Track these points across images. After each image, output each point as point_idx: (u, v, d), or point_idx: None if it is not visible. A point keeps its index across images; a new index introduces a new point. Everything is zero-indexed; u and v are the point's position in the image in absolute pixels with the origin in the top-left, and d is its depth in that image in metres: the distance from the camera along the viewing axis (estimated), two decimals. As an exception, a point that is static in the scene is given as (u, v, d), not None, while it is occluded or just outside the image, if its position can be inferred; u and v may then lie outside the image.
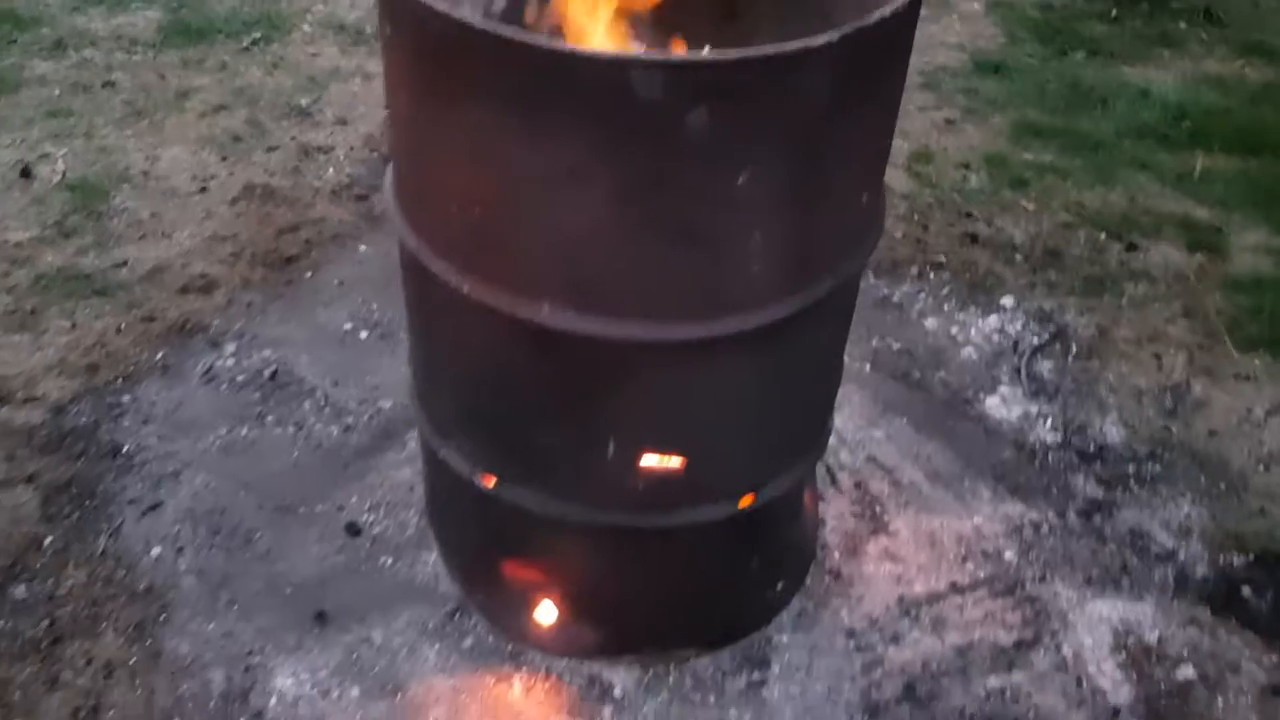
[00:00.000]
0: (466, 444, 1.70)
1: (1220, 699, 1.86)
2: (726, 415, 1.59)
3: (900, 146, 3.13)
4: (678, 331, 1.45)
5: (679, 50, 1.84)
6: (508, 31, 1.26)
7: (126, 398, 2.33)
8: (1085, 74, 3.48)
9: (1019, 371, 2.45)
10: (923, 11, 3.85)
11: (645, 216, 1.36)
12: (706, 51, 1.88)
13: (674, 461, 1.59)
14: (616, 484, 1.61)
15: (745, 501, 1.69)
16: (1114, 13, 3.83)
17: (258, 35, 3.45)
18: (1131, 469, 2.24)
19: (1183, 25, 3.77)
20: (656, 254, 1.39)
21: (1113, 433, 2.32)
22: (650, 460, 1.59)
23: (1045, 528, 2.13)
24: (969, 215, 2.90)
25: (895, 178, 2.99)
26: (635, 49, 1.93)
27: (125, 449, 2.21)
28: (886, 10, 1.33)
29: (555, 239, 1.40)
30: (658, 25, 1.95)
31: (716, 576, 1.82)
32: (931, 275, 2.72)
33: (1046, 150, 3.14)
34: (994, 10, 3.85)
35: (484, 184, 1.41)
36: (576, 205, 1.36)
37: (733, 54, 1.25)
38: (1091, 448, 2.28)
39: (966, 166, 3.07)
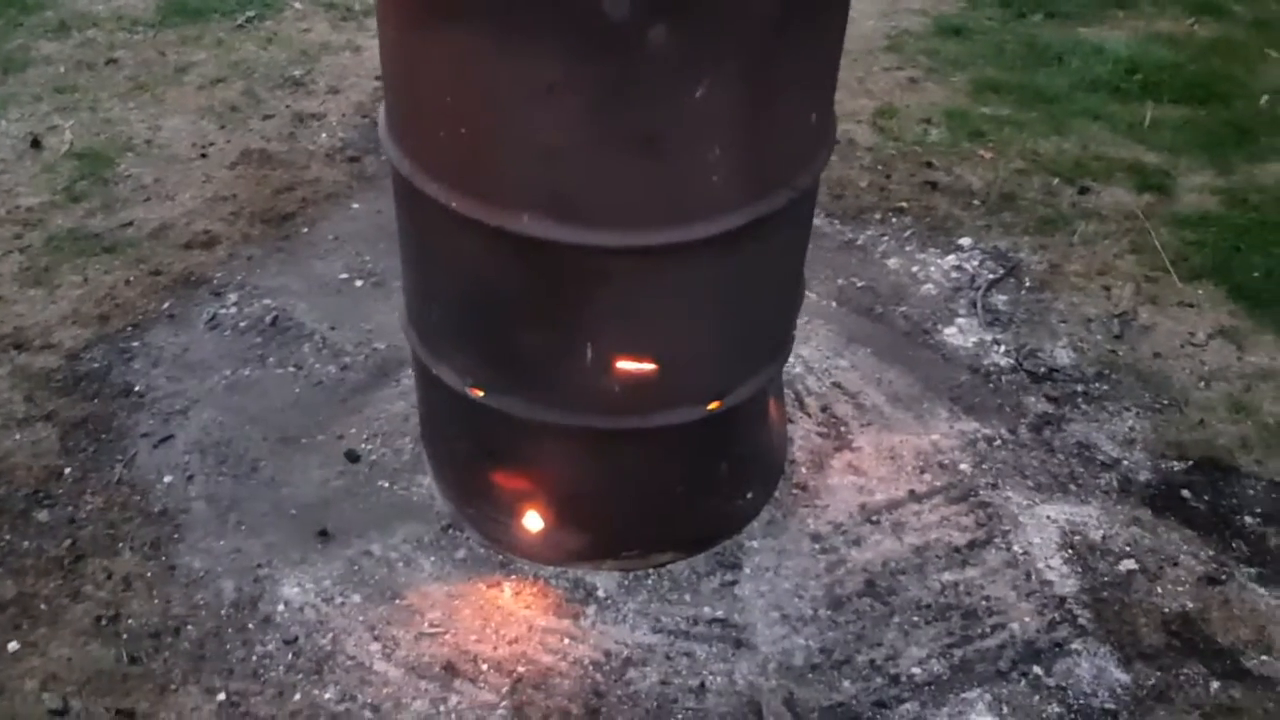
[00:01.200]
0: (456, 358, 1.85)
1: (1159, 588, 2.02)
2: (694, 320, 1.74)
3: (865, 104, 3.29)
4: (646, 238, 1.60)
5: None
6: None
7: (136, 343, 2.47)
8: (1042, 34, 3.65)
9: (975, 304, 2.61)
10: (885, -22, 3.94)
11: (615, 129, 1.51)
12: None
13: (646, 366, 1.74)
14: (594, 388, 1.76)
15: (714, 405, 1.84)
16: (1071, -22, 4.00)
17: (252, 13, 3.60)
18: (1080, 388, 2.40)
19: (1137, -12, 3.94)
20: (625, 165, 1.54)
21: (1062, 356, 2.48)
22: (624, 365, 1.74)
23: (998, 441, 2.28)
24: (929, 165, 3.06)
25: (859, 132, 3.14)
26: None
27: (136, 389, 2.36)
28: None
29: (534, 153, 1.55)
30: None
31: (689, 480, 1.97)
32: (894, 220, 2.87)
33: (1004, 105, 3.30)
34: (957, -23, 4.02)
35: (468, 104, 1.55)
36: (552, 120, 1.51)
37: (686, -26, 1.40)
38: (1042, 370, 2.44)
39: (928, 121, 3.23)
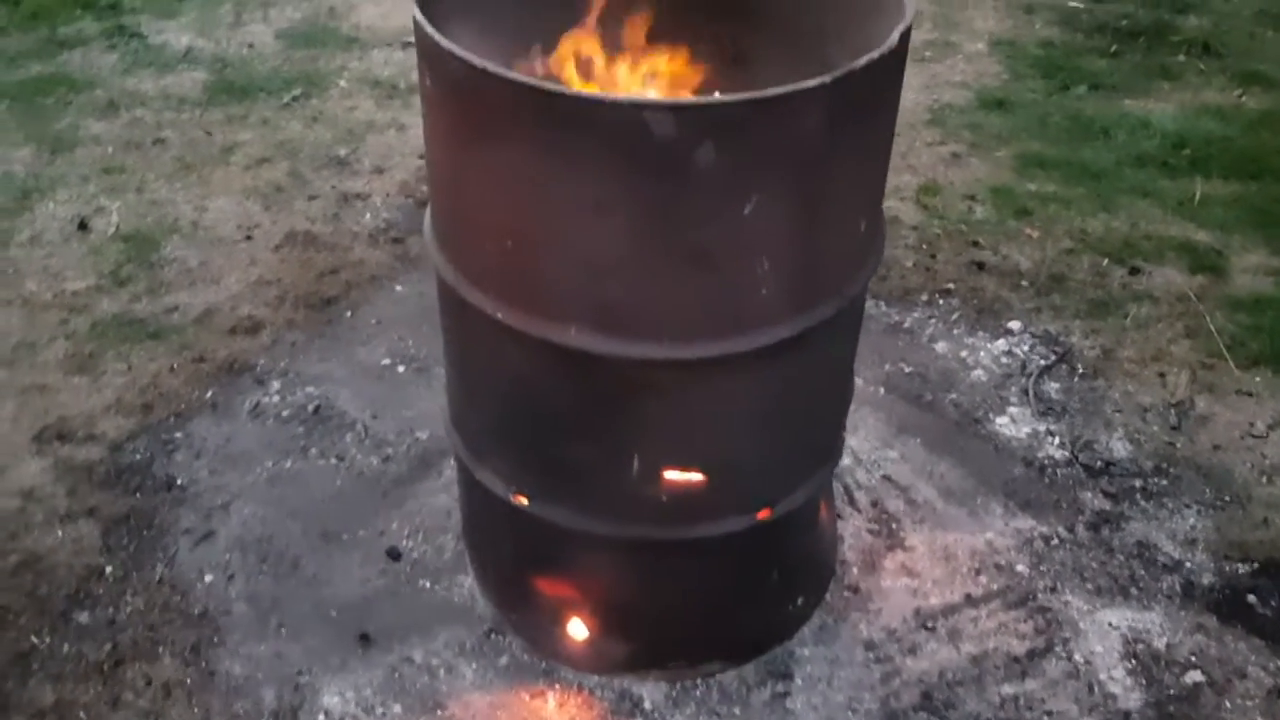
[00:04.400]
0: (500, 464, 1.82)
1: (1227, 702, 1.94)
2: (742, 430, 1.70)
3: (908, 180, 3.26)
4: (694, 350, 1.57)
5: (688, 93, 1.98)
6: (537, 81, 1.40)
7: (179, 434, 2.47)
8: (1087, 107, 3.61)
9: (1027, 392, 2.55)
10: (928, 52, 4.00)
11: (662, 244, 1.49)
12: (714, 95, 2.03)
13: (694, 475, 1.71)
14: (641, 498, 1.73)
15: (763, 513, 1.79)
16: (1114, 48, 3.95)
17: (297, 92, 3.64)
18: (1138, 483, 2.33)
19: (1181, 58, 3.89)
20: (673, 278, 1.52)
21: (1119, 448, 2.42)
22: (672, 474, 1.70)
23: (1055, 541, 2.21)
24: (975, 244, 3.01)
25: (904, 210, 3.11)
26: (650, 93, 2.08)
27: (179, 482, 2.35)
28: (875, 54, 1.46)
29: (580, 266, 1.53)
30: (670, 72, 2.10)
31: (738, 589, 1.93)
32: (940, 302, 2.83)
33: (1050, 181, 3.25)
34: (997, 49, 3.98)
35: (515, 218, 1.54)
36: (599, 235, 1.49)
37: (736, 96, 1.39)
38: (1098, 463, 2.38)
39: (972, 198, 3.19)
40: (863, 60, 1.44)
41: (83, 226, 3.06)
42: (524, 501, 1.80)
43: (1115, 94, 3.68)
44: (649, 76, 1.90)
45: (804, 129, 1.44)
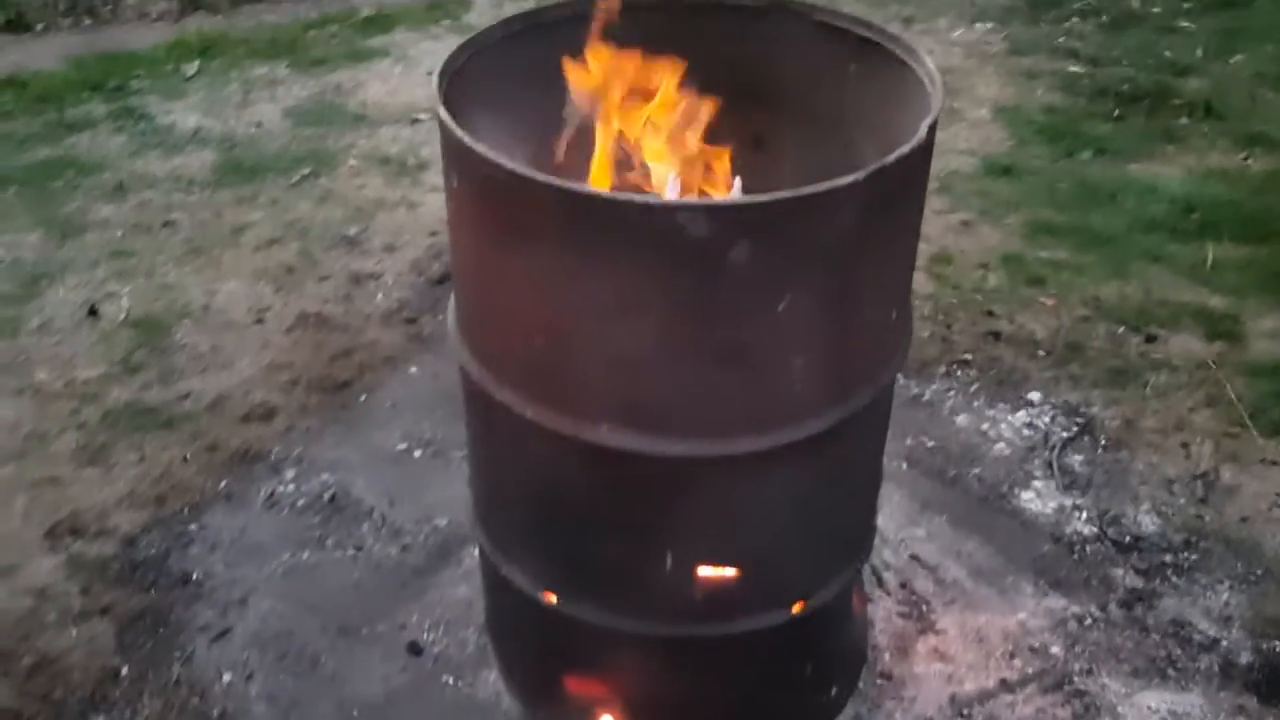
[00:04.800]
0: (528, 562, 1.79)
1: (1274, 785, 1.89)
2: (777, 524, 1.67)
3: (920, 249, 3.24)
4: (728, 447, 1.55)
5: (714, 182, 1.98)
6: (567, 183, 1.39)
7: (194, 526, 2.44)
8: (1093, 172, 3.62)
9: (1051, 465, 2.52)
10: (934, 121, 3.94)
11: (695, 342, 1.47)
12: (738, 185, 2.03)
13: (728, 571, 1.67)
14: (674, 595, 1.69)
15: (798, 607, 1.76)
16: (1116, 112, 3.98)
17: (306, 171, 3.65)
18: (1168, 558, 2.30)
19: (1184, 121, 3.91)
20: (706, 376, 1.50)
21: (1147, 522, 2.39)
22: (706, 571, 1.67)
23: (1089, 620, 2.17)
24: (991, 313, 3.00)
25: (917, 280, 3.08)
26: (672, 180, 2.08)
27: (194, 577, 2.31)
28: (905, 149, 1.46)
29: (612, 365, 1.51)
30: (690, 157, 2.10)
31: (772, 684, 1.88)
32: (959, 373, 2.81)
33: (1061, 247, 3.25)
34: (1001, 115, 4.01)
35: (545, 317, 1.52)
36: (631, 334, 1.47)
37: (769, 196, 1.38)
38: (1127, 538, 2.34)
39: (985, 266, 3.19)
40: (893, 156, 1.44)
41: (93, 313, 3.05)
42: (553, 600, 1.77)
43: (1120, 159, 3.70)
44: (673, 160, 1.90)
45: (837, 225, 1.43)
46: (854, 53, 1.86)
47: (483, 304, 1.64)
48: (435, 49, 4.49)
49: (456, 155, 1.52)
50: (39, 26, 4.59)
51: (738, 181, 2.03)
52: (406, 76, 4.24)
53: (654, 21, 1.96)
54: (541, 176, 1.41)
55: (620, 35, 1.91)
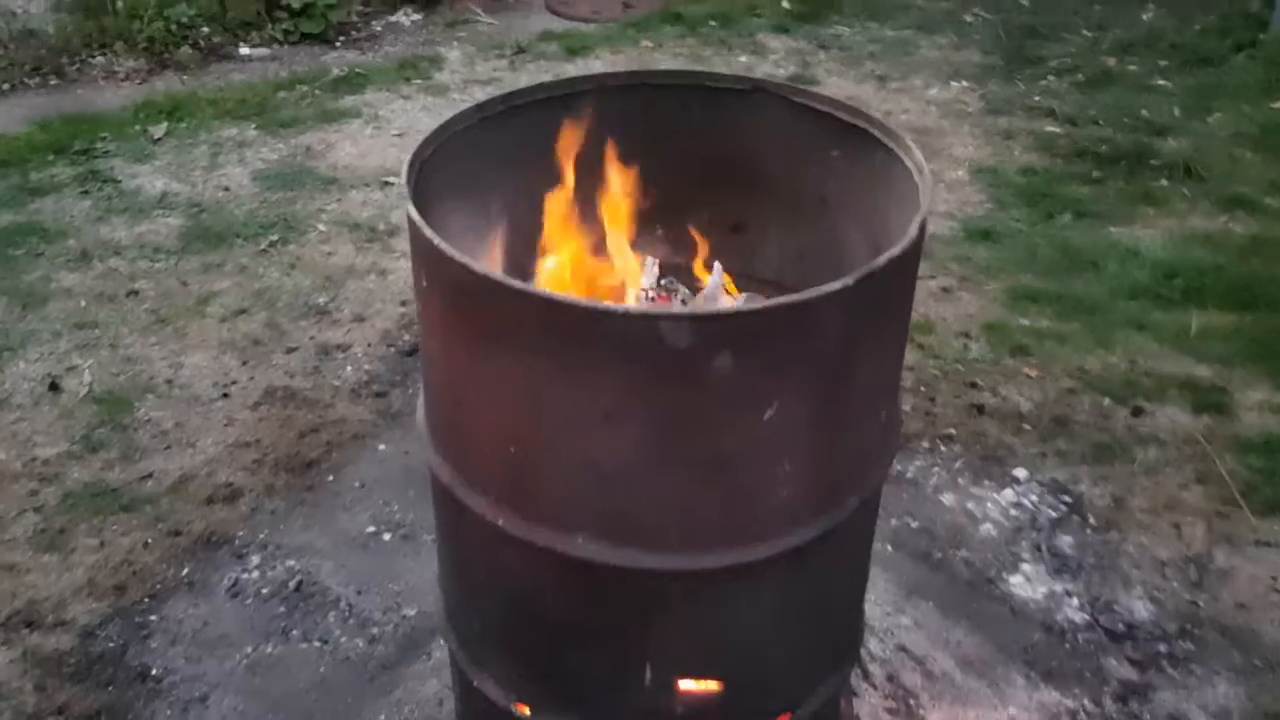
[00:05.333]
0: (501, 672, 1.70)
1: None
2: (761, 636, 1.59)
3: (902, 318, 3.21)
4: (711, 559, 1.47)
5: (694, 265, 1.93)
6: (543, 291, 1.33)
7: (154, 617, 2.33)
8: (1074, 236, 3.59)
9: (1040, 548, 2.46)
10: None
11: (675, 453, 1.40)
12: (718, 270, 1.97)
13: (711, 684, 1.59)
14: (654, 710, 1.61)
15: (784, 718, 1.68)
16: (1095, 174, 3.96)
17: (275, 237, 3.57)
18: (1163, 648, 2.23)
19: (1164, 183, 3.90)
20: (687, 486, 1.43)
21: (1140, 609, 2.32)
22: (688, 684, 1.59)
23: (1082, 715, 2.10)
24: (974, 385, 2.95)
25: (900, 351, 3.05)
26: (649, 265, 2.02)
27: (154, 672, 2.21)
28: (896, 250, 1.40)
29: (588, 474, 1.44)
30: (670, 240, 2.05)
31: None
32: (943, 448, 2.75)
33: (1043, 315, 3.22)
34: (979, 177, 3.99)
35: (519, 425, 1.45)
36: (609, 445, 1.40)
37: (755, 305, 1.32)
38: (1120, 626, 2.28)
39: (967, 335, 3.14)
40: (884, 258, 1.38)
41: (54, 387, 2.95)
42: (526, 712, 1.68)
43: (1101, 222, 3.68)
44: (649, 254, 1.85)
45: (825, 331, 1.37)
46: (837, 137, 1.81)
47: (453, 408, 1.56)
48: (407, 109, 4.44)
49: (426, 256, 1.46)
50: (4, 86, 4.51)
51: (717, 266, 1.98)
52: (378, 138, 4.18)
53: (630, 102, 1.91)
54: (515, 283, 1.34)
55: (596, 116, 1.86)
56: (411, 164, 1.58)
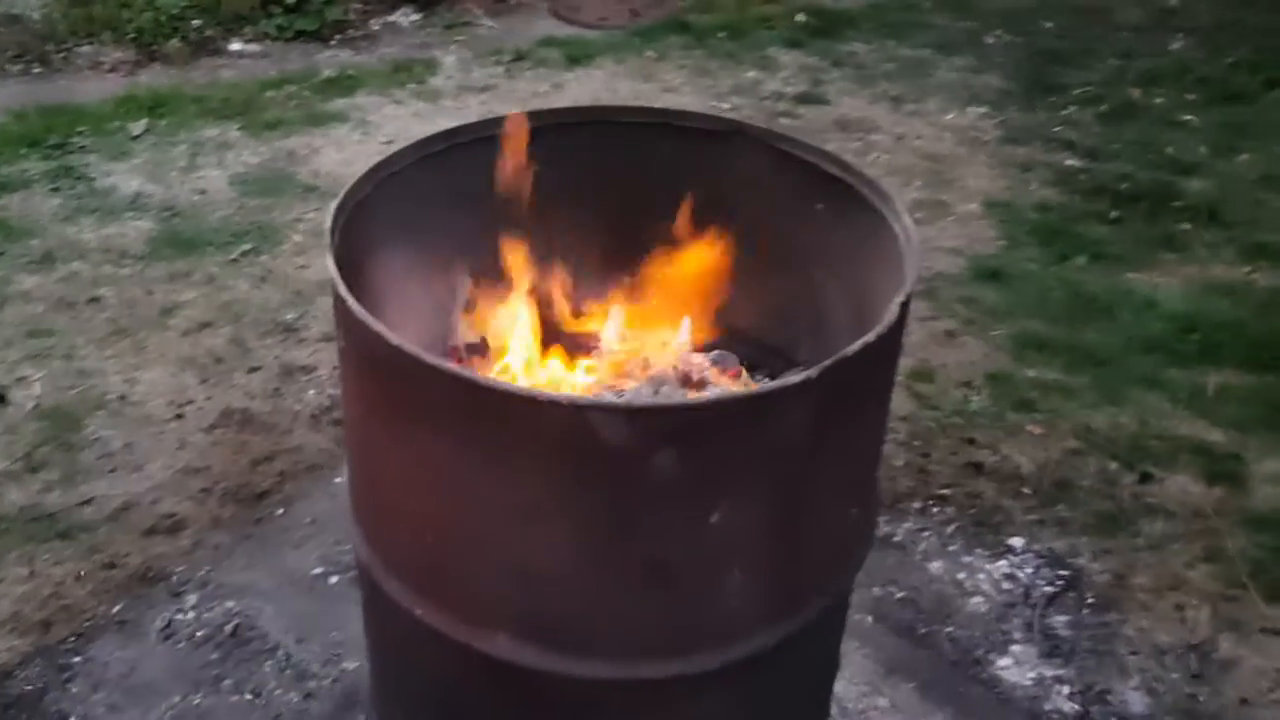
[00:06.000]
0: (422, 766, 1.54)
1: None
2: (708, 749, 1.43)
3: (901, 363, 3.03)
4: (649, 669, 1.32)
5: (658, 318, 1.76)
6: (463, 370, 1.16)
7: (78, 659, 2.18)
8: (1088, 280, 3.40)
9: (1031, 626, 2.28)
10: (918, 214, 3.80)
11: (609, 556, 1.24)
12: (686, 323, 1.80)
13: (650, 800, 1.43)
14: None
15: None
16: (1114, 213, 3.77)
17: (248, 246, 3.41)
18: (1159, 748, 2.06)
19: (1186, 226, 3.71)
20: (622, 591, 1.27)
21: (1135, 701, 2.14)
22: (623, 800, 1.43)
23: (1068, 822, 1.93)
24: (972, 441, 2.77)
25: (894, 397, 2.86)
26: (613, 313, 1.86)
27: (70, 721, 2.06)
28: (871, 335, 1.23)
29: (511, 572, 1.28)
30: (636, 294, 1.88)
31: None
32: (935, 510, 2.58)
33: (1051, 367, 3.03)
34: (991, 211, 3.81)
35: (436, 511, 1.29)
36: (534, 541, 1.24)
37: (702, 398, 1.16)
38: (1114, 721, 2.11)
39: (968, 385, 2.96)
40: (856, 345, 1.21)
41: (1, 400, 2.80)
42: (448, 815, 1.52)
43: (1118, 265, 3.48)
44: (604, 317, 1.68)
45: (785, 428, 1.20)
46: (822, 190, 1.64)
47: (369, 483, 1.41)
48: (397, 114, 4.27)
49: (342, 318, 1.30)
50: (-13, 73, 4.37)
51: (686, 321, 1.81)
52: (364, 144, 4.01)
53: (597, 140, 1.75)
54: (431, 359, 1.18)
55: (560, 154, 1.70)
56: (339, 209, 1.42)
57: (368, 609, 1.54)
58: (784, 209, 1.71)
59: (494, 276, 1.67)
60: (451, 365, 1.19)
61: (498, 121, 1.62)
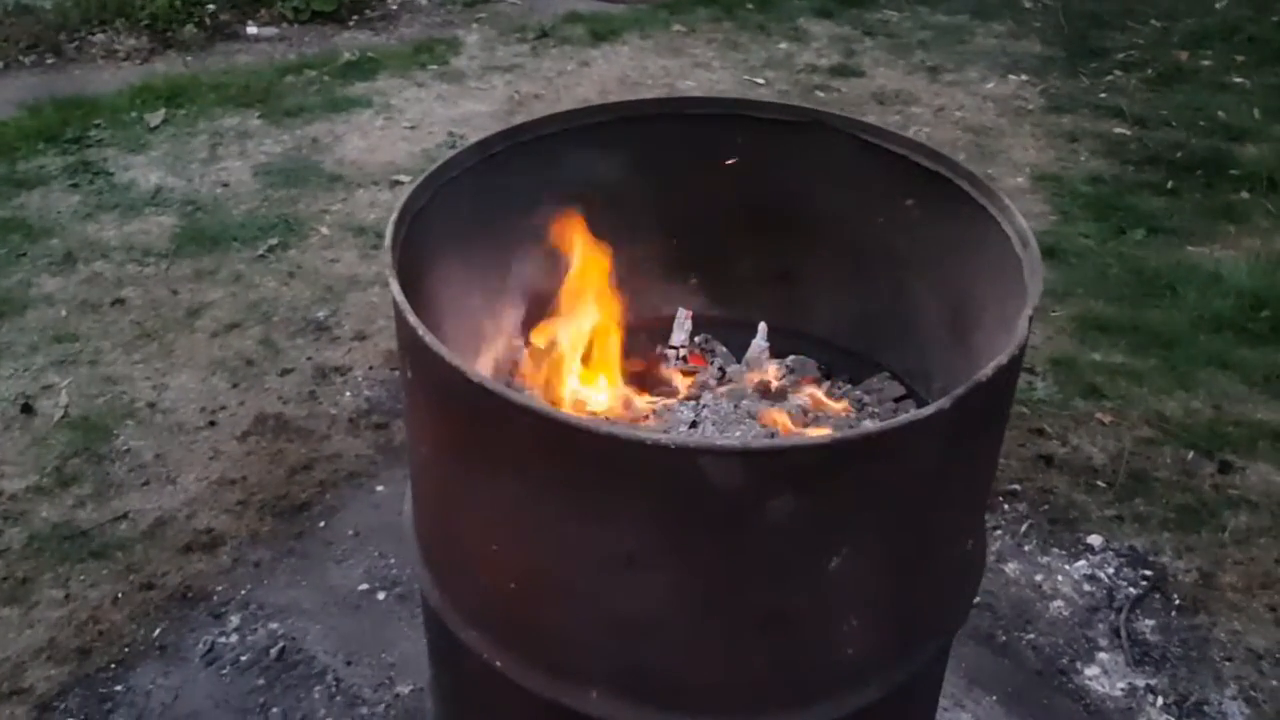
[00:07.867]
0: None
1: None
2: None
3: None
4: (757, 724, 1.20)
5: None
6: (555, 410, 1.05)
7: (120, 687, 2.08)
8: (1148, 256, 3.26)
9: (1118, 631, 2.17)
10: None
11: (718, 605, 1.12)
12: (763, 330, 1.68)
13: None
14: None
15: None
16: (1170, 183, 3.62)
17: (274, 241, 3.29)
18: (1263, 762, 1.95)
19: (1245, 195, 3.56)
20: (732, 643, 1.15)
21: (1234, 711, 2.03)
22: None
23: (1172, 845, 1.83)
24: (1041, 432, 2.65)
25: (956, 387, 2.75)
26: (681, 318, 1.74)
27: (113, 757, 1.96)
28: (1004, 357, 1.11)
29: (606, 623, 1.16)
30: (705, 290, 1.76)
31: None
32: (1006, 507, 2.46)
33: (1116, 349, 2.90)
34: (1041, 185, 3.66)
35: (520, 557, 1.18)
36: (633, 590, 1.13)
37: (823, 438, 1.03)
38: (1214, 734, 1.99)
39: (1032, 371, 2.84)
40: (989, 369, 1.09)
41: (27, 409, 2.69)
42: None
43: (1176, 239, 3.34)
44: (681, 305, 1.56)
45: (911, 463, 1.08)
46: (914, 185, 1.51)
47: (442, 524, 1.29)
48: (420, 97, 4.13)
49: (411, 347, 1.18)
50: (-1, 64, 4.24)
51: (762, 327, 1.69)
52: (388, 130, 3.88)
53: (668, 133, 1.62)
54: (519, 397, 1.06)
55: (632, 149, 1.58)
56: (399, 221, 1.29)
57: (436, 656, 1.43)
58: (867, 205, 1.59)
59: (556, 285, 1.55)
60: (542, 404, 1.07)
61: (557, 118, 1.49)
